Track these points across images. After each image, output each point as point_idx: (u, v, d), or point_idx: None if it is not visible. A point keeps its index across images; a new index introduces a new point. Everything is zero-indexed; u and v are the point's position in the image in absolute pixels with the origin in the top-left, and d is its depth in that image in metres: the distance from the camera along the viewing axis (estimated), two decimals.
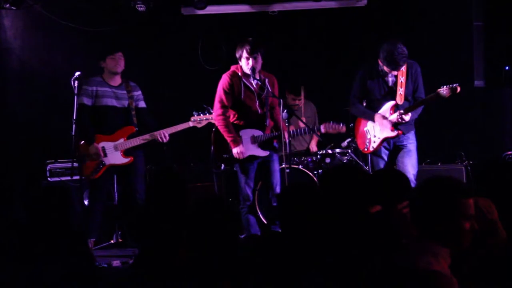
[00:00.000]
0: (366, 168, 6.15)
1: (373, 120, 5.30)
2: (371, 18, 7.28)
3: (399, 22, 7.19)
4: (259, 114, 5.17)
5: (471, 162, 6.46)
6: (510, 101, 7.24)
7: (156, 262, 2.77)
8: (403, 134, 5.24)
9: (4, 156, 6.83)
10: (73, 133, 5.25)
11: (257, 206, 5.96)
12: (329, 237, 2.59)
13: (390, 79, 5.25)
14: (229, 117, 5.20)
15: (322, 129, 5.30)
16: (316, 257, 2.55)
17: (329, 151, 6.47)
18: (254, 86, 5.16)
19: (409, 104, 5.23)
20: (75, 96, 5.32)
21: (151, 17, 7.11)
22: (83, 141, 5.50)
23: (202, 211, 2.70)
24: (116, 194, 6.12)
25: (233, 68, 5.21)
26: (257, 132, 5.19)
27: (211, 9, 7.20)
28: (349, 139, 6.50)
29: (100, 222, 5.59)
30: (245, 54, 5.05)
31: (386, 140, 5.28)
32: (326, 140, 6.47)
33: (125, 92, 5.62)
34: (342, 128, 5.30)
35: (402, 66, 5.09)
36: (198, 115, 5.53)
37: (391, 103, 5.24)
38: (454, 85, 4.91)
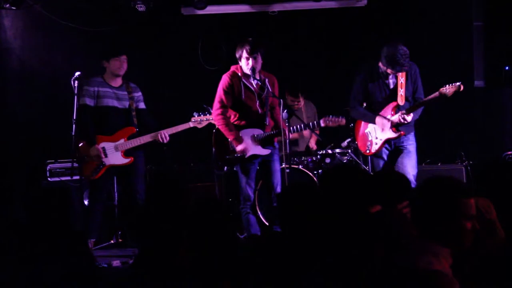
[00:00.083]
0: (366, 168, 6.15)
1: (374, 123, 5.30)
2: (371, 18, 7.28)
3: (399, 22, 7.19)
4: (259, 114, 5.17)
5: (471, 162, 6.47)
6: (510, 101, 7.24)
7: (156, 262, 2.77)
8: (404, 135, 5.25)
9: (4, 156, 6.83)
10: (73, 133, 5.25)
11: (257, 206, 5.97)
12: (329, 237, 2.59)
13: (391, 81, 5.25)
14: (229, 117, 5.20)
15: (322, 123, 5.28)
16: (316, 257, 2.55)
17: (329, 151, 6.47)
18: (254, 86, 5.16)
19: (410, 105, 5.23)
20: (75, 96, 5.32)
21: (151, 17, 7.11)
22: (83, 142, 5.49)
23: (202, 212, 2.70)
24: (116, 194, 6.12)
25: (233, 68, 5.21)
26: (257, 131, 5.19)
27: (211, 9, 7.20)
28: (349, 139, 6.50)
29: (100, 222, 5.59)
30: (245, 54, 5.05)
31: (388, 141, 5.28)
32: (325, 140, 6.47)
33: (125, 93, 5.62)
34: (342, 120, 5.27)
35: (406, 66, 5.08)
36: (199, 115, 5.54)
37: (392, 104, 5.24)
38: (457, 83, 4.90)
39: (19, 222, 3.14)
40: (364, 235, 2.55)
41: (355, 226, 2.60)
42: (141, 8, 6.84)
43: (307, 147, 6.97)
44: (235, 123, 5.21)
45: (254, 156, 5.20)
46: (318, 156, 6.47)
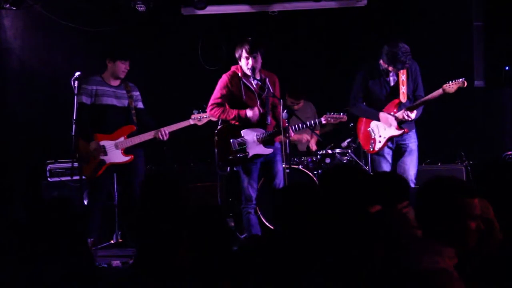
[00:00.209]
0: (366, 168, 6.15)
1: (377, 119, 5.29)
2: (371, 18, 7.28)
3: (399, 22, 7.20)
4: (260, 113, 5.16)
5: (471, 162, 6.47)
6: (510, 101, 7.24)
7: (156, 262, 2.77)
8: (407, 132, 5.25)
9: (4, 156, 6.83)
10: (73, 133, 5.25)
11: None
12: (329, 237, 2.59)
13: (392, 78, 5.26)
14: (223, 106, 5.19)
15: (323, 120, 5.26)
16: (316, 257, 2.55)
17: (329, 151, 6.47)
18: (254, 86, 5.15)
19: (410, 103, 5.23)
20: (75, 96, 5.32)
21: (151, 17, 7.11)
22: (82, 141, 5.48)
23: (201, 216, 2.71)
24: (116, 194, 6.12)
25: (233, 68, 5.21)
26: (259, 131, 5.18)
27: (211, 9, 7.20)
28: (349, 139, 6.50)
29: (100, 222, 5.59)
30: (244, 54, 5.04)
31: (391, 139, 5.28)
32: (325, 140, 6.47)
33: (124, 91, 5.63)
34: (343, 117, 5.26)
35: (408, 63, 5.09)
36: (198, 113, 5.55)
37: (395, 101, 5.24)
38: (461, 79, 4.90)
39: (19, 222, 3.14)
40: (364, 235, 2.55)
41: (355, 226, 2.60)
42: (141, 8, 6.84)
43: (308, 147, 6.97)
44: (236, 123, 5.20)
45: (256, 156, 5.19)
46: (318, 156, 6.47)
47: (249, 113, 5.09)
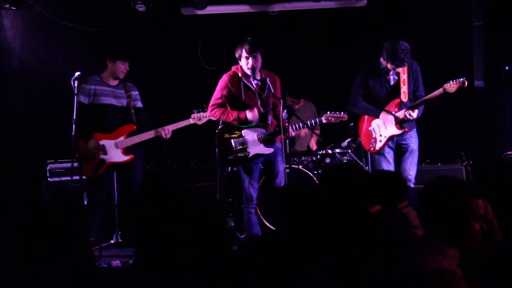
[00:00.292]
0: (366, 168, 6.15)
1: (378, 117, 5.30)
2: (371, 18, 7.28)
3: (399, 22, 7.19)
4: (261, 113, 5.16)
5: (471, 162, 6.47)
6: (510, 101, 7.24)
7: (156, 262, 2.77)
8: (408, 131, 5.25)
9: (4, 156, 6.83)
10: (73, 133, 5.25)
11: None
12: (329, 237, 2.59)
13: (392, 77, 5.26)
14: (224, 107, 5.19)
15: (324, 120, 5.25)
16: (316, 257, 2.55)
17: (329, 151, 6.47)
18: (254, 86, 5.15)
19: (411, 102, 5.24)
20: (75, 96, 5.32)
21: (151, 17, 7.11)
22: (81, 140, 5.48)
23: (201, 213, 2.71)
24: (116, 194, 6.12)
25: (233, 68, 5.21)
26: (260, 130, 5.18)
27: (211, 9, 7.20)
28: (349, 139, 6.50)
29: (100, 222, 5.59)
30: (244, 54, 5.04)
31: (391, 138, 5.29)
32: (325, 140, 6.47)
33: (123, 91, 5.64)
34: (344, 116, 5.26)
35: (406, 62, 5.10)
36: (198, 112, 5.55)
37: (396, 100, 5.25)
38: (461, 79, 4.90)
39: (19, 222, 3.14)
40: (364, 235, 2.55)
41: (355, 226, 2.60)
42: (141, 8, 6.84)
43: (308, 147, 6.97)
44: (237, 123, 5.20)
45: (257, 156, 5.18)
46: (318, 156, 6.47)
47: (249, 114, 5.09)
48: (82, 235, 3.18)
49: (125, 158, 5.55)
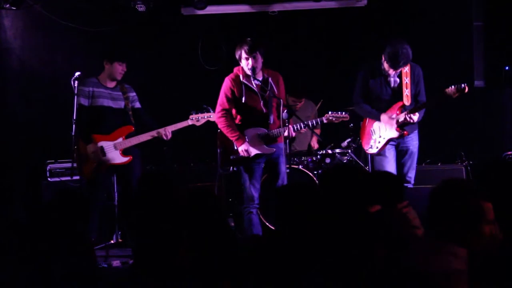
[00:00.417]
0: (366, 168, 6.15)
1: (378, 120, 5.30)
2: (371, 18, 7.28)
3: (399, 22, 7.19)
4: (264, 113, 5.13)
5: (471, 162, 6.46)
6: (510, 101, 7.23)
7: (156, 262, 2.77)
8: (408, 134, 5.25)
9: (4, 156, 6.83)
10: (73, 133, 5.25)
11: None
12: (329, 237, 2.59)
13: (392, 79, 5.25)
14: (232, 118, 5.18)
15: (325, 120, 5.25)
16: (316, 257, 2.55)
17: (329, 151, 6.47)
18: (256, 86, 5.14)
19: (413, 106, 5.23)
20: (75, 96, 5.33)
21: (151, 17, 7.11)
22: (81, 142, 5.48)
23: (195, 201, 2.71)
24: (116, 194, 6.12)
25: (235, 70, 5.20)
26: (261, 130, 5.17)
27: (211, 9, 7.20)
28: (349, 139, 6.50)
29: (99, 222, 5.59)
30: (244, 54, 5.04)
31: (391, 141, 5.29)
32: (325, 140, 6.46)
33: (120, 93, 5.63)
34: (345, 116, 5.25)
35: (400, 67, 5.10)
36: (196, 113, 5.54)
37: (398, 103, 5.24)
38: (462, 85, 4.87)
39: (19, 222, 3.14)
40: (364, 235, 2.55)
41: (355, 226, 2.60)
42: (141, 8, 6.84)
43: (309, 146, 6.97)
44: (239, 123, 5.20)
45: (259, 156, 5.18)
46: (318, 156, 6.47)
47: (240, 147, 5.08)
48: (82, 235, 3.18)
49: (124, 159, 5.55)
